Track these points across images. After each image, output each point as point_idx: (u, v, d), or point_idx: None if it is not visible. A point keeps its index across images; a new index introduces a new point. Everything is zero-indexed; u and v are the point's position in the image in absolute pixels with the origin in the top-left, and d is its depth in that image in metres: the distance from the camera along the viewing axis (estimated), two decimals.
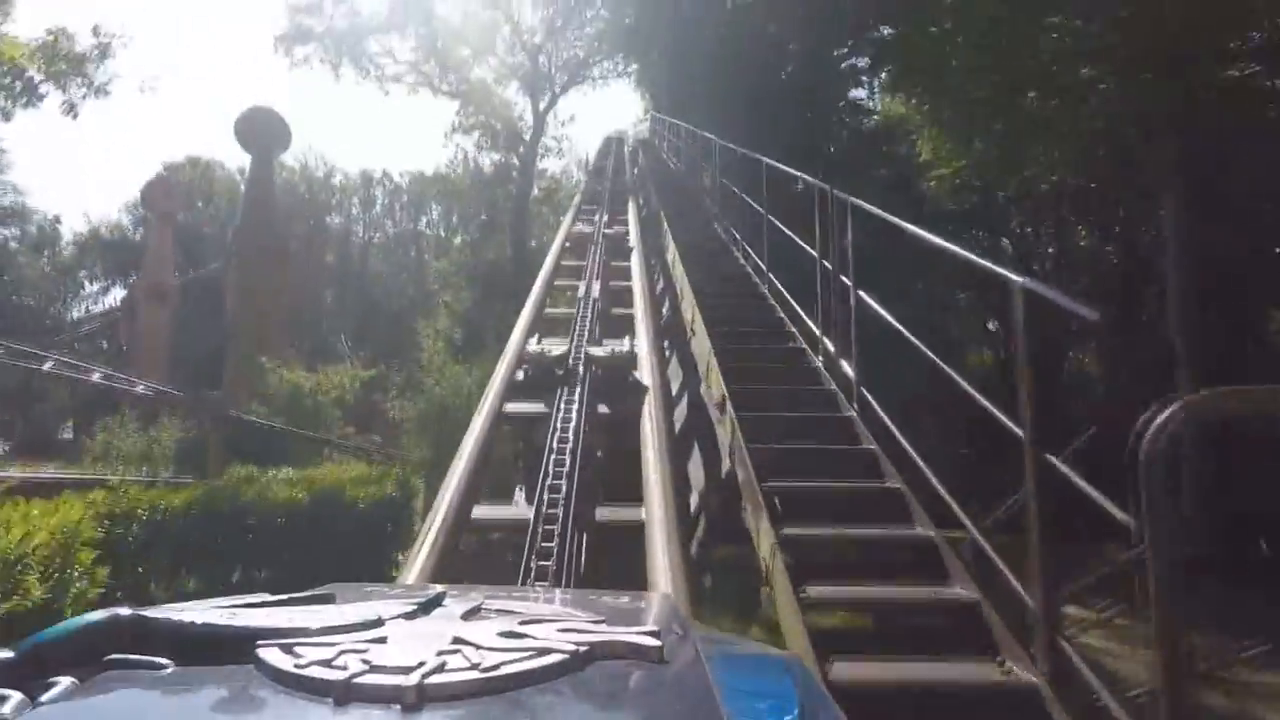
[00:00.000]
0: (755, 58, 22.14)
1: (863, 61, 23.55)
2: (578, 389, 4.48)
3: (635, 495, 3.83)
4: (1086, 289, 20.51)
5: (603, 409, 4.47)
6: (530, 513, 3.49)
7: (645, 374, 4.75)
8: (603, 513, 3.95)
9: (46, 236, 36.06)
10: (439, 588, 1.10)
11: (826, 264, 5.10)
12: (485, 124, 27.58)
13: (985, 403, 2.83)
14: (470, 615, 0.89)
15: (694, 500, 5.16)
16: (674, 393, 5.99)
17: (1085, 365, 21.82)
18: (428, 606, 0.91)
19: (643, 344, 5.16)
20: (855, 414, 4.38)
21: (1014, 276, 2.64)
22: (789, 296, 6.25)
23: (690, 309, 6.50)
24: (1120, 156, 17.00)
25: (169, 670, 0.69)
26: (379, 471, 10.67)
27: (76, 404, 26.87)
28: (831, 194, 4.99)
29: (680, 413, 5.62)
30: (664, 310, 7.68)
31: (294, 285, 32.29)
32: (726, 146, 9.65)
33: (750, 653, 1.15)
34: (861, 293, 4.45)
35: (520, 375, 4.85)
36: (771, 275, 6.90)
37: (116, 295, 35.76)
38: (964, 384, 3.15)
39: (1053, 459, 2.44)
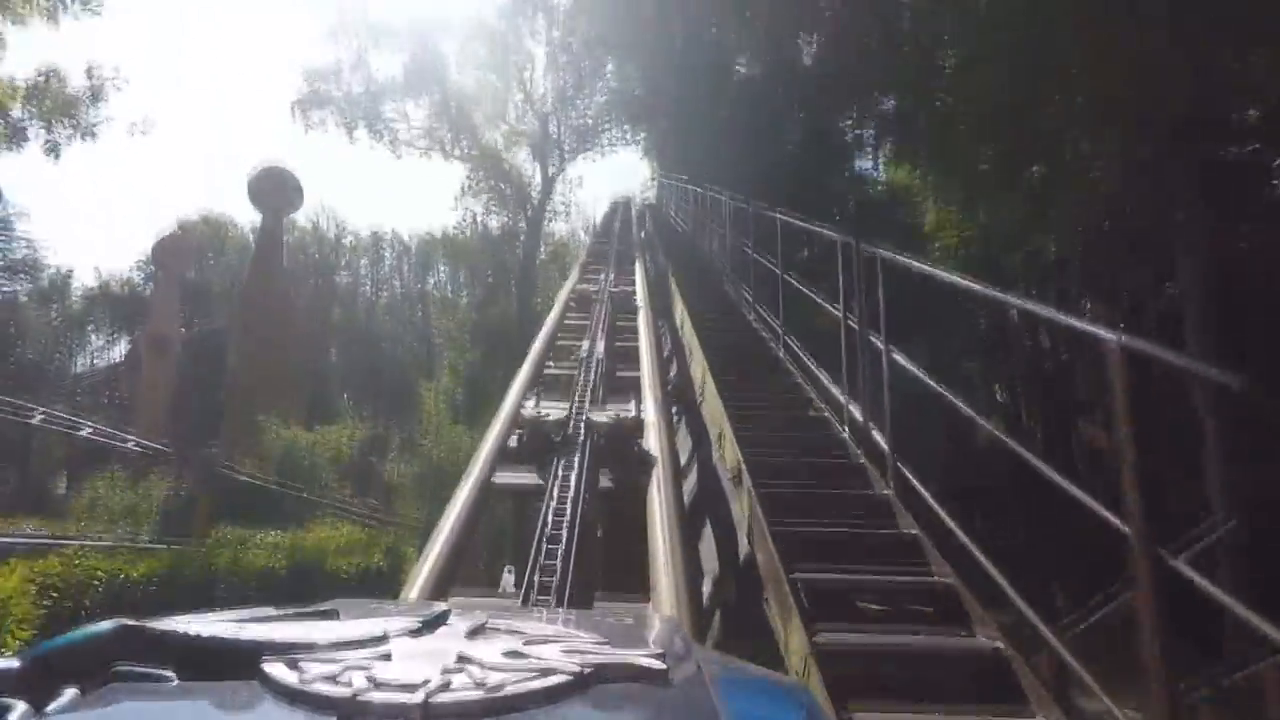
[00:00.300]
0: (761, 127, 22.27)
1: (868, 132, 23.69)
2: (577, 457, 3.93)
3: (639, 580, 3.25)
4: (1099, 360, 20.16)
5: (605, 481, 3.90)
6: (515, 604, 2.90)
7: (652, 442, 4.20)
8: (603, 604, 3.35)
9: (57, 290, 36.03)
10: (443, 605, 1.08)
11: (851, 322, 4.62)
12: (494, 187, 27.68)
13: (1080, 494, 2.28)
14: (475, 633, 0.87)
15: (707, 587, 4.55)
16: (683, 462, 5.43)
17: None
18: (432, 624, 0.89)
19: (649, 408, 4.63)
20: (891, 493, 3.83)
21: (1108, 333, 2.13)
22: (807, 359, 5.75)
23: (700, 370, 6.00)
24: (1126, 227, 16.89)
25: (174, 683, 0.69)
26: (369, 536, 10.06)
27: (72, 458, 26.29)
28: (857, 245, 4.54)
29: (690, 484, 5.05)
30: (672, 372, 7.18)
31: (299, 343, 32.03)
32: (738, 205, 9.31)
33: (756, 678, 1.06)
34: (896, 354, 3.95)
35: (513, 441, 4.30)
36: (787, 337, 6.43)
37: (123, 349, 35.56)
38: (1052, 474, 2.59)
39: (1178, 564, 1.88)
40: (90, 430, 14.35)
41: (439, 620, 0.91)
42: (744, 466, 4.01)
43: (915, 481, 3.65)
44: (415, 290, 48.31)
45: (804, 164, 23.00)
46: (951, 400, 3.31)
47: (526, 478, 3.95)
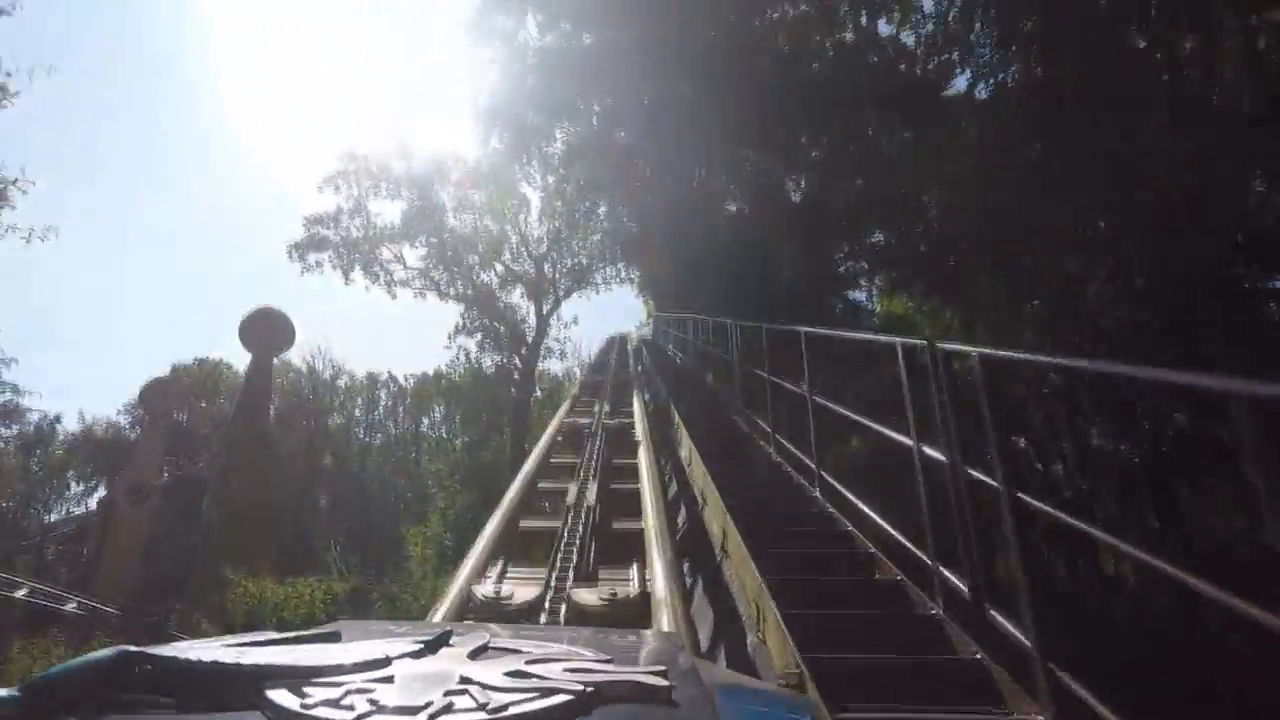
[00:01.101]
0: (754, 261, 21.91)
1: (860, 265, 23.35)
2: None
3: None
4: (1116, 493, 18.63)
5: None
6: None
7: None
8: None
9: (44, 436, 34.50)
10: (445, 626, 1.05)
11: (932, 452, 3.31)
12: (489, 326, 27.03)
13: None
14: (477, 654, 0.85)
15: None
16: (703, 645, 3.93)
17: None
18: (434, 645, 0.87)
19: (659, 579, 3.22)
20: None
21: None
22: (862, 505, 4.38)
23: (719, 521, 4.62)
24: (1132, 351, 16.11)
25: (174, 712, 0.67)
26: None
27: (25, 621, 23.79)
28: (933, 348, 3.31)
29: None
30: (680, 519, 5.77)
31: (286, 488, 30.35)
32: (749, 329, 8.23)
33: (760, 693, 1.02)
34: (1025, 496, 2.62)
35: None
36: (824, 474, 5.09)
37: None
38: None
39: None
40: (27, 591, 12.51)
41: (441, 642, 0.88)
42: (808, 676, 2.57)
43: (1093, 701, 2.20)
44: (411, 433, 47.12)
45: (799, 297, 22.50)
46: (1142, 559, 1.95)
47: None
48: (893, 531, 3.74)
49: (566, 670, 0.75)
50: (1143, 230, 13.55)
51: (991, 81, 16.86)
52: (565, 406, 8.91)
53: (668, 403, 9.15)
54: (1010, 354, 3.05)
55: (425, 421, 47.54)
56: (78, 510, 34.08)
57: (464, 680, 0.71)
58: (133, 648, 0.70)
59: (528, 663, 0.78)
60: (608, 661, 0.81)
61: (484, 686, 0.69)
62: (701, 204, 22.50)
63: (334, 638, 0.92)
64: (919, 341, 3.46)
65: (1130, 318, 15.17)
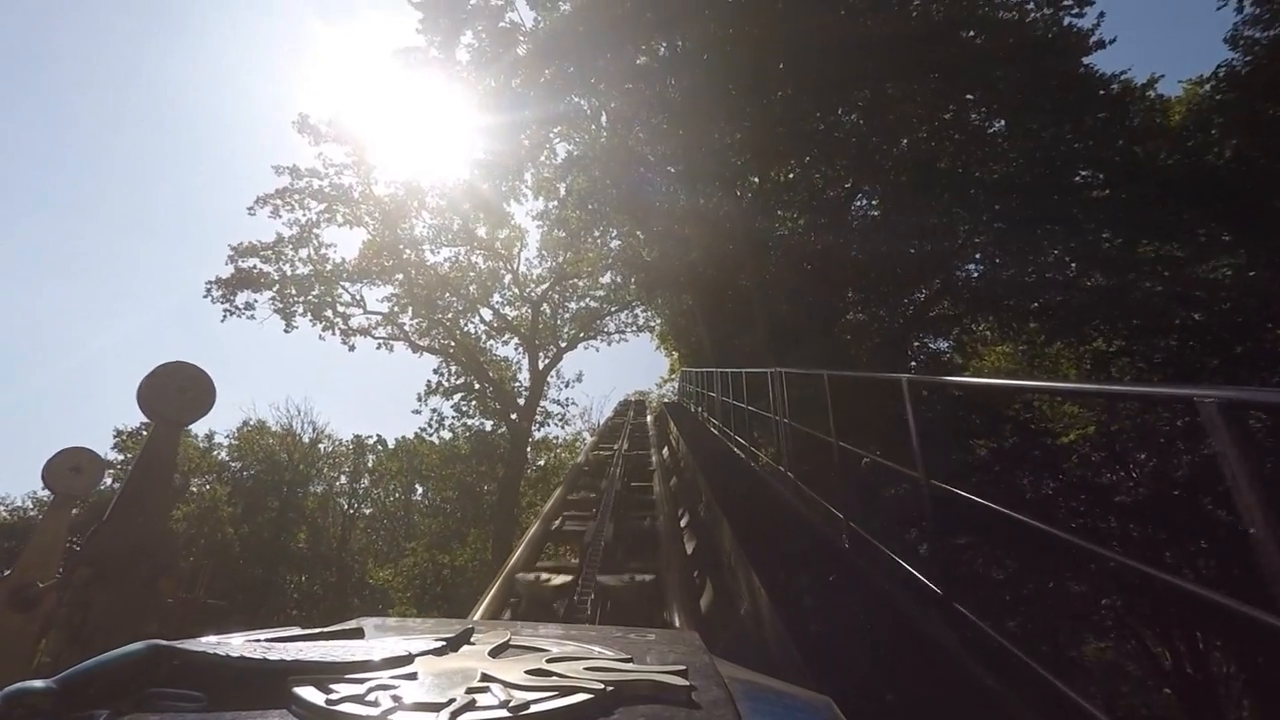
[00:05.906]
0: (814, 301, 16.81)
1: (960, 307, 18.08)
2: None
3: None
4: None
5: None
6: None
7: None
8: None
9: None
10: (467, 623, 1.06)
11: None
12: (471, 385, 21.77)
13: None
14: (498, 652, 0.87)
15: None
16: None
17: None
18: (456, 643, 0.89)
19: None
20: None
21: None
22: None
23: None
24: None
25: (203, 707, 0.68)
26: None
27: None
28: None
29: None
30: None
31: (253, 574, 25.29)
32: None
33: (780, 693, 1.01)
34: None
35: None
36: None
37: None
38: None
39: None
40: None
41: (462, 639, 0.91)
42: None
43: None
44: (400, 502, 41.71)
45: (869, 341, 17.47)
46: None
47: None
48: None
49: (587, 669, 0.76)
50: None
51: None
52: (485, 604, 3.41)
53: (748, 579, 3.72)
54: None
55: (419, 490, 42.06)
56: None
57: (485, 678, 0.71)
58: (163, 642, 0.71)
59: (548, 661, 0.79)
60: (627, 660, 0.82)
61: (505, 684, 0.70)
62: (744, 226, 17.48)
63: (357, 634, 0.93)
64: None
65: None
